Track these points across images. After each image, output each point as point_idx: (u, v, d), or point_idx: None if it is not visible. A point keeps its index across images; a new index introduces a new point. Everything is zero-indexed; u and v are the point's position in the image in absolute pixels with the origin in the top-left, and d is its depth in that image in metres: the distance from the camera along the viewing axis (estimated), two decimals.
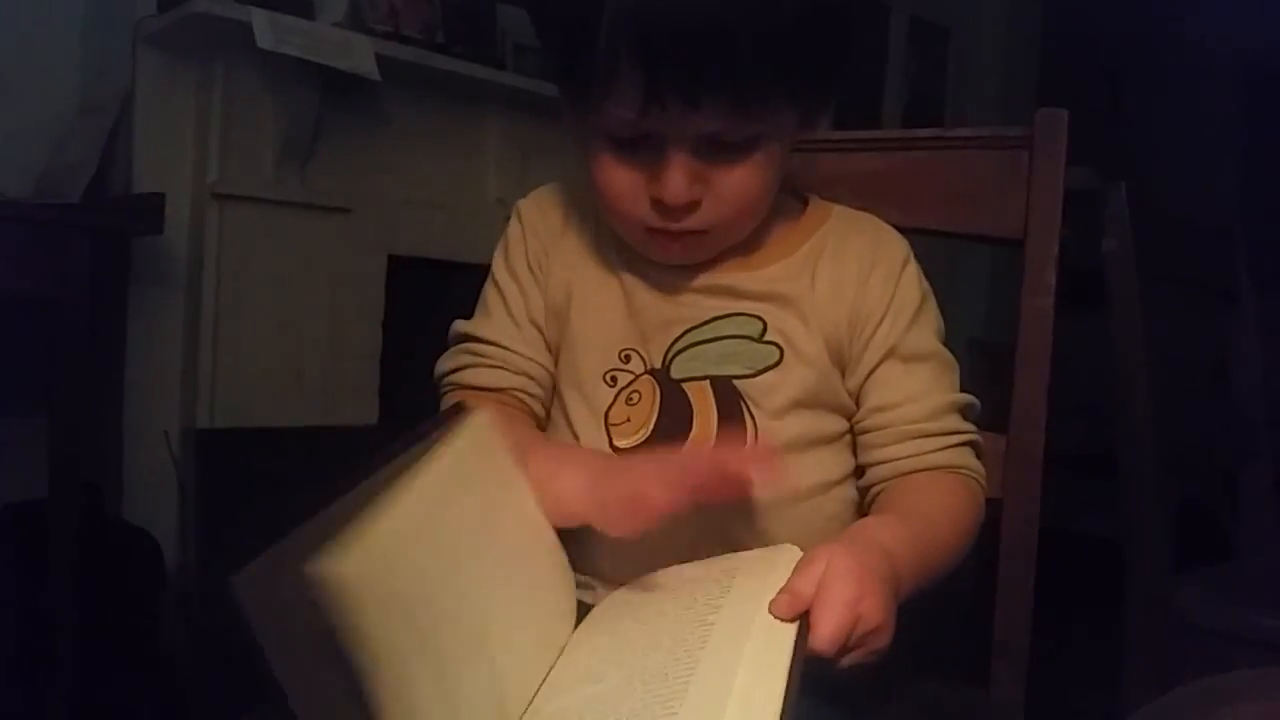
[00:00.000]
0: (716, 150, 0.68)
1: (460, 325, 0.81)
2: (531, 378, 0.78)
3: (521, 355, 0.78)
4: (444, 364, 0.80)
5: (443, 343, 0.82)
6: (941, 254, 0.83)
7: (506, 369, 0.78)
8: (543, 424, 0.79)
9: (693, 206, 0.70)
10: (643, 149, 0.69)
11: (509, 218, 0.84)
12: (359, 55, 1.96)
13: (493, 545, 0.57)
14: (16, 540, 1.47)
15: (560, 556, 0.67)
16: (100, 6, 1.94)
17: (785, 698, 0.47)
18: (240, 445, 1.91)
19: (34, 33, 1.87)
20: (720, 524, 0.71)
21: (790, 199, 0.82)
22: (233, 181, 1.93)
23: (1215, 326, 1.45)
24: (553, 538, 0.66)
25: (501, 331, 0.79)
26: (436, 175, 2.27)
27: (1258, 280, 1.43)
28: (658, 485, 0.61)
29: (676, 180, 0.68)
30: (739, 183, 0.70)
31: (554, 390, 0.79)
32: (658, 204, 0.70)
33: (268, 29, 1.81)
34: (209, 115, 1.93)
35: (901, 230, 0.83)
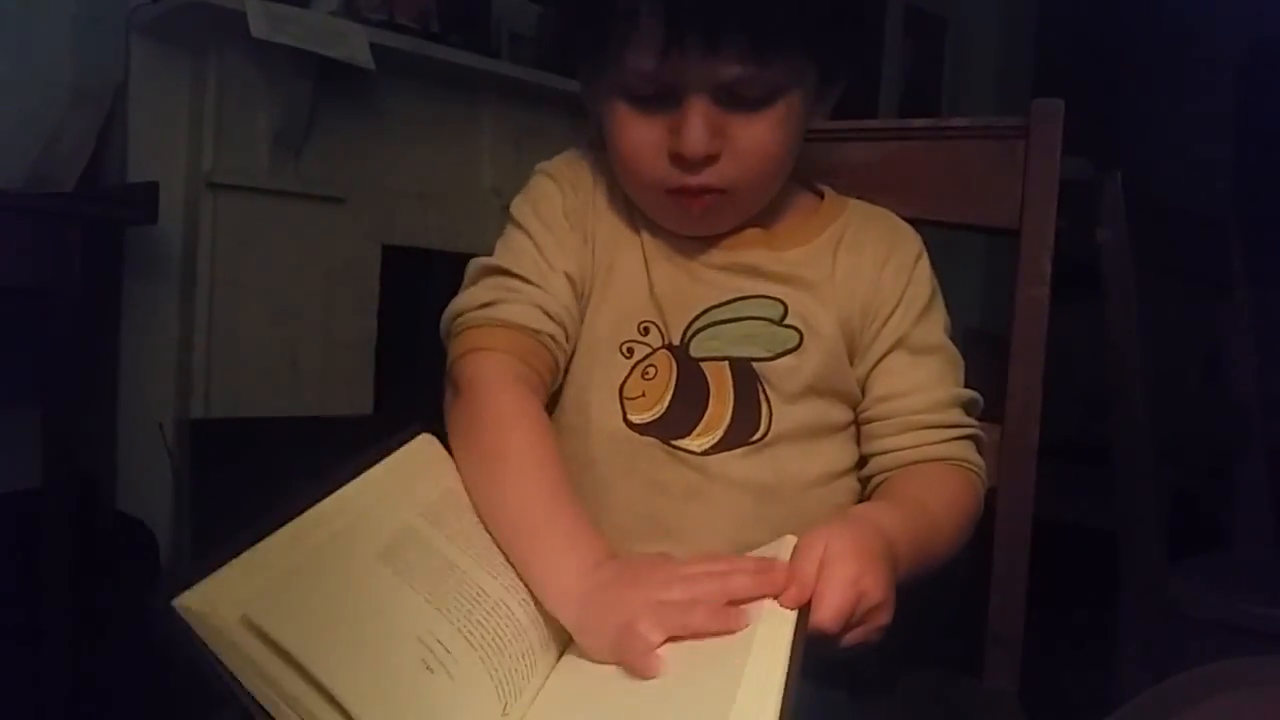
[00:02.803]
0: (735, 103, 0.68)
1: (485, 260, 0.76)
2: (563, 327, 0.73)
3: (557, 301, 0.73)
4: (472, 297, 0.73)
5: (438, 332, 0.76)
6: (937, 243, 0.83)
7: (544, 310, 0.72)
8: (558, 379, 0.75)
9: (711, 160, 0.70)
10: (661, 103, 0.69)
11: (503, 207, 0.83)
12: (353, 44, 1.95)
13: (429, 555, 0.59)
14: (11, 530, 1.47)
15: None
16: None
17: (787, 679, 0.48)
18: (235, 435, 1.90)
19: (27, 22, 1.86)
20: (728, 519, 0.71)
21: (807, 191, 0.83)
22: (227, 171, 1.93)
23: (1209, 316, 1.46)
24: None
25: (537, 272, 0.74)
26: (431, 164, 2.27)
27: (1252, 271, 1.43)
28: (650, 621, 0.54)
29: (696, 129, 0.68)
30: (758, 137, 0.70)
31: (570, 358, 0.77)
32: (677, 159, 0.70)
33: (262, 18, 1.80)
34: (203, 104, 1.92)
35: None
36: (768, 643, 0.51)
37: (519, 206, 0.79)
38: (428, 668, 0.51)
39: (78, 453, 1.47)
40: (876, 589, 0.56)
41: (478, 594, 0.58)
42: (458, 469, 0.68)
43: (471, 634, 0.55)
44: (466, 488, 0.67)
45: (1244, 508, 1.41)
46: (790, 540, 0.62)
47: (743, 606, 0.54)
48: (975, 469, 0.76)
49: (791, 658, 0.49)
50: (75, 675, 1.42)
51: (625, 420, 0.73)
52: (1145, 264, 1.19)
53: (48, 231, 1.40)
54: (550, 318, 0.72)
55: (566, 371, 0.76)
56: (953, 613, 0.76)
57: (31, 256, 1.39)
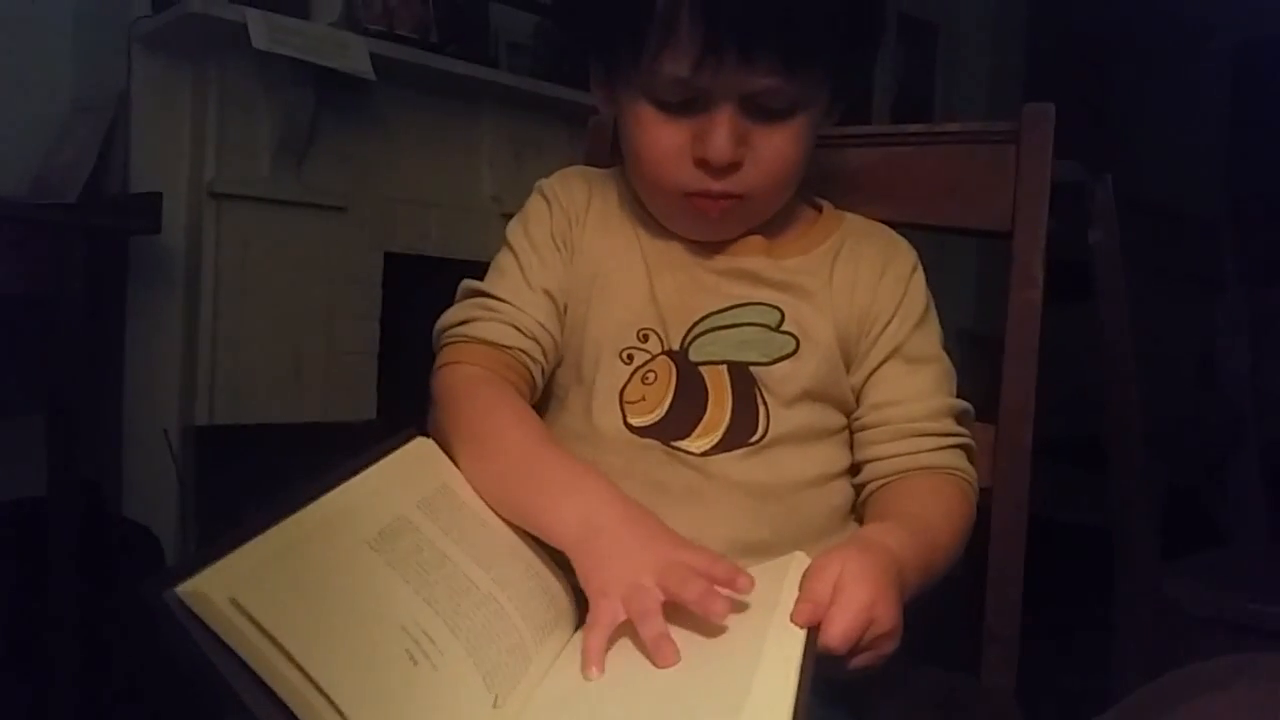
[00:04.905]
0: (759, 113, 0.71)
1: (471, 282, 0.80)
2: (538, 343, 0.77)
3: (532, 318, 0.77)
4: (452, 316, 0.79)
5: None
6: (930, 247, 0.84)
7: (517, 328, 0.76)
8: (537, 392, 0.78)
9: (734, 167, 0.72)
10: (689, 109, 0.71)
11: (503, 214, 0.85)
12: (354, 55, 1.96)
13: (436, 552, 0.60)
14: (17, 538, 1.48)
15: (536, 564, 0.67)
16: (94, 7, 1.95)
17: (797, 698, 0.48)
18: (239, 442, 1.91)
19: (29, 33, 1.87)
20: (727, 517, 0.72)
21: (806, 204, 0.85)
22: (229, 180, 1.94)
23: (1202, 317, 1.47)
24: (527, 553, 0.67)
25: (515, 292, 0.78)
26: (431, 173, 2.28)
27: (1243, 270, 1.44)
28: (640, 594, 0.58)
29: (723, 137, 0.70)
30: (778, 148, 0.72)
31: (570, 367, 0.79)
32: (701, 164, 0.72)
33: (263, 29, 1.82)
34: (205, 115, 1.94)
35: (890, 224, 0.85)
36: (778, 658, 0.52)
37: (512, 228, 0.83)
38: (412, 658, 0.52)
39: (83, 460, 1.48)
40: (887, 618, 0.57)
41: (467, 586, 0.58)
42: (453, 461, 0.70)
43: (457, 626, 0.55)
44: (461, 469, 0.69)
45: (1239, 505, 1.42)
46: (799, 557, 0.63)
47: (726, 602, 0.56)
48: (967, 477, 0.76)
49: (802, 675, 0.50)
50: (82, 681, 1.43)
51: (625, 423, 0.74)
52: (1137, 264, 1.20)
53: (52, 242, 1.41)
54: (523, 334, 0.76)
55: (570, 380, 0.78)
56: (949, 611, 0.76)
57: (36, 267, 1.40)
